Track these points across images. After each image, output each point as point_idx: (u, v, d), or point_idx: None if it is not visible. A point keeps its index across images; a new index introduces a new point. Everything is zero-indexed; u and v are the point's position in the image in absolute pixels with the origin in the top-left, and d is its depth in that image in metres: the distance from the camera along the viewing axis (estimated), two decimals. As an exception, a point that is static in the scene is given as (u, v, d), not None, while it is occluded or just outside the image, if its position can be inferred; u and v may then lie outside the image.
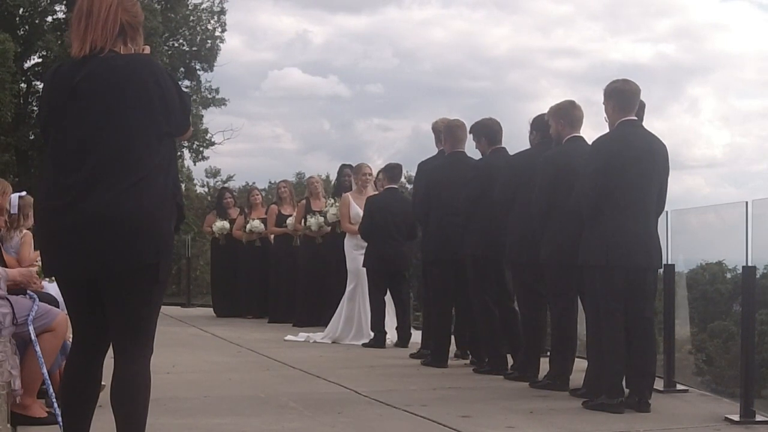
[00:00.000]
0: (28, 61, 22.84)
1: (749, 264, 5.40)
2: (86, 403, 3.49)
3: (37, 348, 4.75)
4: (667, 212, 6.44)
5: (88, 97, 3.29)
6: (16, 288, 5.05)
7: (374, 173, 10.15)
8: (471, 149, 7.80)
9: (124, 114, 3.27)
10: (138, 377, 3.35)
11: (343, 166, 11.51)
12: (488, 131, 7.44)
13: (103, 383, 3.46)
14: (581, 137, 6.31)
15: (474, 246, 7.21)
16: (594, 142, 5.94)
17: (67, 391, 3.53)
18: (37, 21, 21.98)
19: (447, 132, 7.85)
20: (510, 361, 7.25)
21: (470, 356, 7.86)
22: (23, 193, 5.60)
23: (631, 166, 5.66)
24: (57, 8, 22.63)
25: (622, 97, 5.83)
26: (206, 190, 33.70)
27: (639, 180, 5.68)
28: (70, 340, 4.08)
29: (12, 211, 5.36)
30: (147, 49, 3.54)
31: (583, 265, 5.82)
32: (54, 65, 3.60)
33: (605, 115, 5.95)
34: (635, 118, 5.85)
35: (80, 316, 3.50)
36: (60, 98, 3.35)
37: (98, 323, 3.43)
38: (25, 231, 5.61)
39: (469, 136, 7.65)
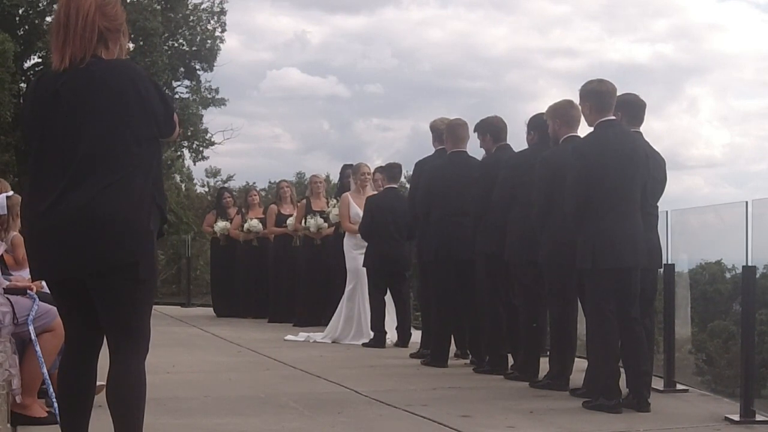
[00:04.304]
0: (28, 61, 22.84)
1: (749, 264, 5.40)
2: (82, 402, 3.51)
3: (37, 348, 4.76)
4: (667, 212, 6.45)
5: (68, 104, 3.34)
6: (16, 288, 5.06)
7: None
8: (472, 149, 7.83)
9: (101, 119, 3.31)
10: (131, 376, 3.37)
11: (345, 167, 11.49)
12: (493, 128, 7.44)
13: (101, 383, 3.46)
14: (578, 137, 6.30)
15: (485, 245, 7.19)
16: (573, 147, 5.95)
17: (62, 390, 3.56)
18: (36, 21, 21.97)
19: (449, 131, 7.85)
20: (510, 361, 7.25)
21: (470, 356, 7.86)
22: (10, 193, 5.57)
23: (611, 167, 5.66)
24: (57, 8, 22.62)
25: (598, 98, 5.83)
26: (206, 189, 33.78)
27: (621, 181, 5.68)
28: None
29: (0, 212, 5.35)
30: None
31: (577, 268, 5.84)
32: (37, 74, 3.64)
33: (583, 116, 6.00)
34: (613, 117, 5.85)
35: (70, 316, 3.54)
36: (42, 107, 3.40)
37: (88, 323, 3.47)
38: (14, 233, 5.59)
39: (473, 135, 7.66)
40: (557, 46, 70.06)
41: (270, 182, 33.37)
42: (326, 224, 11.08)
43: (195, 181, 34.94)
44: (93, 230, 3.26)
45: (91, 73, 3.35)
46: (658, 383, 6.33)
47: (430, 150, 8.43)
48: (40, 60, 22.57)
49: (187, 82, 24.80)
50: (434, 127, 8.32)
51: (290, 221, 11.70)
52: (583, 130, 6.22)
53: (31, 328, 4.78)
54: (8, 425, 4.59)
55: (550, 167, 6.26)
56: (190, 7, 24.22)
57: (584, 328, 6.33)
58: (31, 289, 5.05)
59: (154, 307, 3.99)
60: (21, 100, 19.99)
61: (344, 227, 10.07)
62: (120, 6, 3.52)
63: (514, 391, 6.41)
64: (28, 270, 5.50)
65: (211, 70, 24.56)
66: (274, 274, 12.13)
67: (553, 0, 69.45)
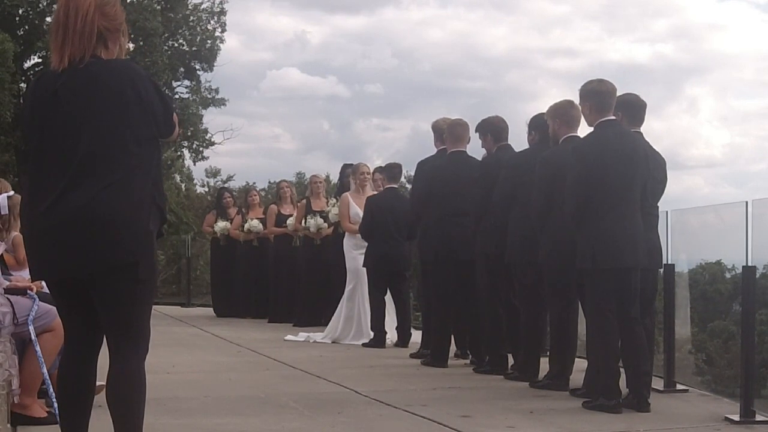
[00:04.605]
0: (28, 61, 22.85)
1: (749, 264, 5.40)
2: (82, 402, 3.51)
3: (37, 348, 4.76)
4: (667, 212, 6.45)
5: (67, 104, 3.34)
6: (16, 288, 5.06)
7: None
8: (474, 149, 7.83)
9: (100, 119, 3.31)
10: (131, 376, 3.37)
11: (345, 167, 11.49)
12: (494, 128, 7.44)
13: (101, 383, 3.47)
14: (578, 137, 6.30)
15: (485, 245, 7.19)
16: (573, 148, 5.95)
17: (62, 390, 3.56)
18: (36, 21, 21.97)
19: (448, 131, 7.86)
20: (510, 361, 7.25)
21: (470, 356, 7.86)
22: (11, 193, 5.57)
23: (611, 168, 5.66)
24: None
25: (598, 98, 5.83)
26: (206, 190, 33.79)
27: (620, 181, 5.68)
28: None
29: (2, 212, 5.35)
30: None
31: (577, 268, 5.84)
32: (36, 74, 3.63)
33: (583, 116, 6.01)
34: (613, 117, 5.85)
35: (69, 316, 3.54)
36: (42, 107, 3.40)
37: (88, 323, 3.47)
38: (14, 233, 5.59)
39: (475, 135, 7.66)
40: (557, 46, 70.12)
41: (270, 182, 33.40)
42: (326, 224, 11.08)
43: (195, 181, 34.98)
44: (93, 230, 3.26)
45: (90, 73, 3.35)
46: (658, 383, 6.33)
47: (430, 150, 8.43)
48: (40, 60, 22.58)
49: (187, 82, 24.82)
50: (436, 127, 8.32)
51: (290, 221, 11.69)
52: (583, 130, 6.23)
53: (31, 328, 4.78)
54: (8, 425, 4.59)
55: (550, 167, 6.26)
56: (190, 7, 24.23)
57: (584, 328, 6.33)
58: (31, 289, 5.05)
59: (154, 307, 3.99)
60: (21, 100, 19.99)
61: (344, 227, 10.07)
62: (119, 6, 3.52)
63: (514, 391, 6.40)
64: (28, 270, 5.52)
65: (211, 70, 24.59)
66: (274, 274, 12.12)
67: (553, 0, 69.49)
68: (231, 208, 13.25)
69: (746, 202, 5.46)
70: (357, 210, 9.71)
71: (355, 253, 9.68)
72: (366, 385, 6.59)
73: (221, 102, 25.59)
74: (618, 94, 5.96)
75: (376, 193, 9.75)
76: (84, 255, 3.29)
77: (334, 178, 18.59)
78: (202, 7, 24.41)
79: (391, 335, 9.38)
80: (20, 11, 21.71)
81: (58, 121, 3.35)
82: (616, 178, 5.67)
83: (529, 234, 6.53)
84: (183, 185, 32.23)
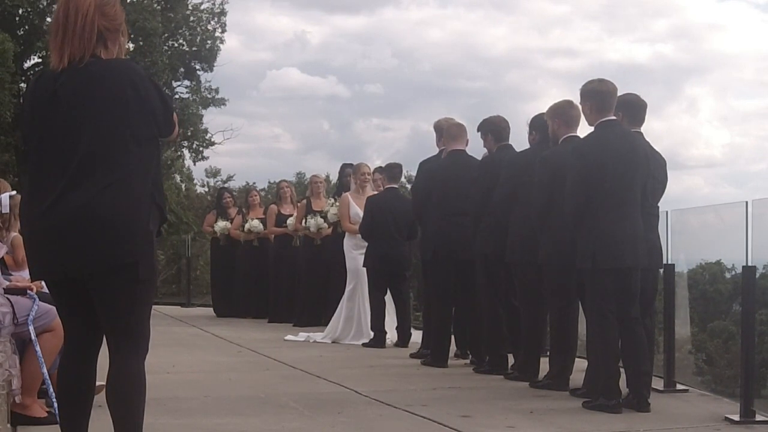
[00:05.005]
0: (28, 61, 22.85)
1: (749, 264, 5.40)
2: (82, 402, 3.52)
3: (37, 348, 4.76)
4: (666, 212, 6.45)
5: (67, 104, 3.34)
6: (16, 288, 5.06)
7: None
8: (474, 149, 7.84)
9: (100, 119, 3.31)
10: (131, 376, 3.38)
11: (344, 166, 11.49)
12: (495, 128, 7.45)
13: (101, 383, 3.47)
14: (578, 137, 6.30)
15: (484, 245, 7.19)
16: (573, 148, 5.95)
17: (62, 390, 3.56)
18: (36, 21, 21.98)
19: (446, 131, 7.90)
20: (510, 361, 7.25)
21: (470, 356, 7.86)
22: (13, 192, 5.57)
23: (611, 168, 5.65)
24: (57, 8, 22.63)
25: (599, 98, 5.83)
26: (206, 189, 33.81)
27: (620, 181, 5.67)
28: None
29: (3, 211, 5.35)
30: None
31: (577, 268, 5.84)
32: (35, 74, 3.63)
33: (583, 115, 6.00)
34: (614, 117, 5.85)
35: (69, 316, 3.55)
36: (41, 107, 3.41)
37: (87, 323, 3.47)
38: (14, 234, 5.58)
39: (476, 135, 7.67)
40: (557, 46, 70.24)
41: (270, 182, 33.44)
42: (326, 224, 11.07)
43: (195, 181, 35.01)
44: (92, 230, 3.26)
45: (90, 72, 3.35)
46: (658, 383, 6.33)
47: (429, 150, 8.45)
48: (40, 60, 22.57)
49: (187, 82, 24.85)
50: (438, 127, 8.33)
51: (290, 221, 11.69)
52: (583, 130, 6.23)
53: (31, 328, 4.78)
54: (8, 425, 4.59)
55: (550, 167, 6.26)
56: (190, 7, 24.24)
57: (584, 328, 6.33)
58: (31, 289, 5.04)
59: (154, 307, 3.99)
60: (21, 100, 19.98)
61: (344, 227, 10.07)
62: (119, 6, 3.52)
63: (514, 391, 6.40)
64: (28, 271, 5.51)
65: (211, 70, 24.62)
66: (274, 274, 12.13)
67: (553, 0, 69.54)
68: (231, 208, 13.25)
69: (746, 202, 5.46)
70: (357, 210, 9.71)
71: (355, 253, 9.68)
72: (366, 385, 6.59)
73: (221, 102, 25.64)
74: (618, 94, 5.96)
75: (376, 193, 9.75)
76: (84, 255, 3.29)
77: (334, 178, 18.60)
78: (202, 7, 24.46)
79: (391, 335, 9.38)
80: (20, 11, 21.71)
81: (57, 121, 3.35)
82: (616, 178, 5.67)
83: (529, 234, 6.53)
84: (183, 185, 32.25)
